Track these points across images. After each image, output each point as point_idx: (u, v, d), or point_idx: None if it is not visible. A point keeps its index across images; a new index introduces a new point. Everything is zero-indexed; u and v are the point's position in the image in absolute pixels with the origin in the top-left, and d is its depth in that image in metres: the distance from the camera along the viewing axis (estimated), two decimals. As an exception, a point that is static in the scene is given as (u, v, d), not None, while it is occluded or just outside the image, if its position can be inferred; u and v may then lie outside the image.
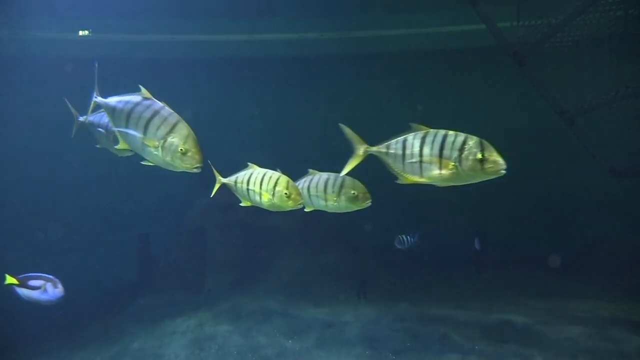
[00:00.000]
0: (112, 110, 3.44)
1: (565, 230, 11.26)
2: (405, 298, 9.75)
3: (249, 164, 4.52)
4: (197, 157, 3.21)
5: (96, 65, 3.87)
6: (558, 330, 7.82)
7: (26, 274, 5.21)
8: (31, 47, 10.86)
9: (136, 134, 3.29)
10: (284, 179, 4.24)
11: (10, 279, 5.06)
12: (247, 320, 8.90)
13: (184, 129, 3.23)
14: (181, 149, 3.17)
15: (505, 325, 8.15)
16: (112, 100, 3.48)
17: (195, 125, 3.40)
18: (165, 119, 3.23)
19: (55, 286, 5.11)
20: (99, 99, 3.59)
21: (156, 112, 3.26)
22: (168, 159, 3.21)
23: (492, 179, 3.36)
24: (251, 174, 4.40)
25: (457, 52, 11.05)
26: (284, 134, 12.39)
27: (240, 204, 4.56)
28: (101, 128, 4.33)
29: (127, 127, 3.32)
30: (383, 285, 10.56)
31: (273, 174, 4.30)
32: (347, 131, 4.02)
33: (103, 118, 4.37)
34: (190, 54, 11.70)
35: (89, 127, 4.60)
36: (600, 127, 6.25)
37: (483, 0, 5.77)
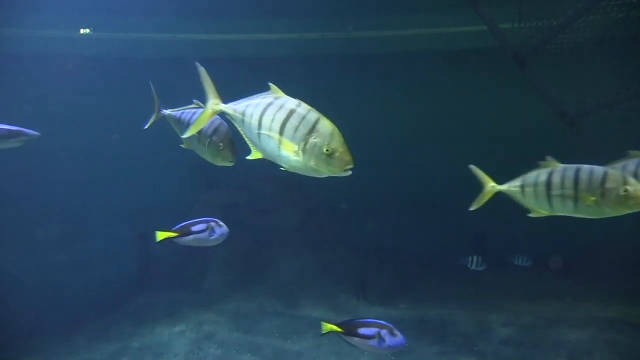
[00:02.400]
0: (241, 116, 2.99)
1: (566, 231, 11.23)
2: (405, 298, 9.74)
3: (547, 158, 3.38)
4: (346, 157, 2.70)
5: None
6: (558, 332, 7.82)
7: (354, 320, 4.58)
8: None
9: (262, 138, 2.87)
10: (615, 172, 3.16)
11: (328, 327, 4.53)
12: (246, 320, 8.90)
13: (326, 126, 2.73)
14: (326, 150, 2.68)
15: (505, 326, 8.14)
16: (241, 105, 3.03)
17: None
18: (303, 118, 2.75)
19: (392, 333, 4.39)
20: (223, 106, 3.09)
21: (292, 112, 2.78)
22: (312, 163, 2.73)
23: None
24: (550, 174, 3.31)
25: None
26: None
27: (530, 215, 3.50)
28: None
29: (259, 131, 2.89)
30: (383, 285, 10.55)
31: (594, 169, 3.18)
32: None
33: (194, 116, 3.75)
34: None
35: (173, 124, 4.03)
36: (601, 129, 6.24)
37: (484, 1, 5.78)
